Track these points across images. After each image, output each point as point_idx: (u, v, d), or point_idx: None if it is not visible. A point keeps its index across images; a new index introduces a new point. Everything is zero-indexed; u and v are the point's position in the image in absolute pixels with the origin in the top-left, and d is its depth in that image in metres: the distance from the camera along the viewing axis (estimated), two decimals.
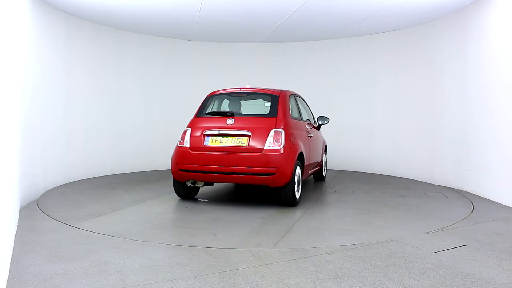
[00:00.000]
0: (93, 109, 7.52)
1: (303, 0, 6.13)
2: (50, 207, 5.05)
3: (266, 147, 5.01)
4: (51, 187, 6.30)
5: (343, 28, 7.93)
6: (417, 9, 6.53)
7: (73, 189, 6.30)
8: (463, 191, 6.44)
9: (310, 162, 6.12)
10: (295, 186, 5.19)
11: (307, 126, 6.37)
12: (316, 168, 6.93)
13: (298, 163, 5.28)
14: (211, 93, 6.02)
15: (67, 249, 3.50)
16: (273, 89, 5.74)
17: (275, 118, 5.23)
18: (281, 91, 5.70)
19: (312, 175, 7.50)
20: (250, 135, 5.09)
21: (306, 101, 7.02)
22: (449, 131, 6.90)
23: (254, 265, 3.17)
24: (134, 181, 7.16)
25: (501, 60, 5.60)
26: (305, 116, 6.61)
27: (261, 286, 2.78)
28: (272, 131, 5.08)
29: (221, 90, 6.02)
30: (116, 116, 8.01)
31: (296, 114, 5.91)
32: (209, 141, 5.22)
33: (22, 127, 5.03)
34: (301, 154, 5.43)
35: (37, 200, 5.47)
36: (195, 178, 5.28)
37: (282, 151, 5.00)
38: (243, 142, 5.09)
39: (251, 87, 5.96)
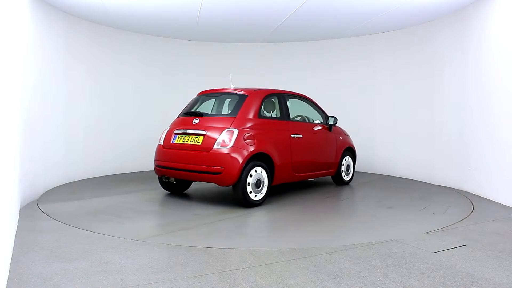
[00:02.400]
0: (93, 108, 7.51)
1: (303, 0, 6.13)
2: (50, 207, 5.05)
3: (215, 146, 5.09)
4: (51, 187, 6.30)
5: (343, 28, 7.93)
6: (417, 9, 6.53)
7: (73, 189, 6.30)
8: (463, 191, 6.44)
9: (296, 163, 5.83)
10: (247, 186, 5.09)
11: (316, 128, 6.33)
12: (327, 171, 6.63)
13: (259, 164, 5.20)
14: (198, 93, 6.24)
15: (67, 249, 3.50)
16: (247, 89, 5.72)
17: (234, 117, 5.28)
18: (255, 90, 5.66)
19: (333, 179, 7.09)
20: (204, 134, 5.23)
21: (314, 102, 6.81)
22: (449, 130, 6.90)
23: (254, 265, 3.17)
24: (136, 179, 7.17)
25: (500, 60, 5.60)
26: (307, 116, 6.52)
27: (261, 286, 2.78)
28: (225, 130, 5.13)
29: (206, 90, 6.21)
30: (116, 116, 8.00)
31: (277, 114, 5.83)
32: (175, 139, 5.52)
33: (22, 127, 5.03)
34: (262, 155, 5.29)
35: (37, 200, 5.48)
36: (164, 173, 5.61)
37: (230, 151, 5.01)
38: (198, 141, 5.26)
39: (235, 87, 5.97)
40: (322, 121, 6.67)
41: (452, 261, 3.31)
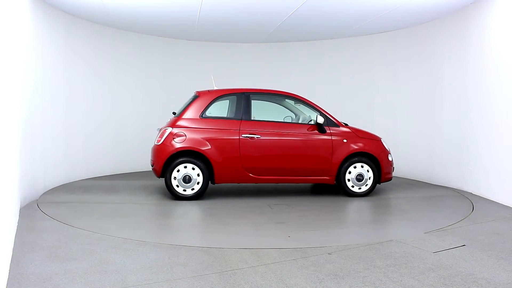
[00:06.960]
0: (93, 108, 7.51)
1: (303, 0, 6.13)
2: (50, 207, 5.05)
3: (154, 143, 5.81)
4: (51, 187, 6.30)
5: (343, 28, 7.93)
6: (417, 9, 6.53)
7: (73, 189, 6.30)
8: (463, 191, 6.44)
9: (250, 163, 5.68)
10: (173, 180, 5.55)
11: (308, 129, 5.92)
12: (318, 178, 5.89)
13: (189, 160, 5.56)
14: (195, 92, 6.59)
15: (67, 249, 3.50)
16: (205, 91, 6.04)
17: (177, 117, 5.84)
18: (208, 91, 5.99)
19: (340, 189, 6.06)
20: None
21: (306, 101, 6.36)
22: (449, 131, 6.90)
23: (254, 265, 3.18)
24: (135, 178, 7.17)
25: (500, 60, 5.60)
26: (286, 117, 6.39)
27: (261, 286, 2.78)
28: (163, 129, 5.78)
29: (199, 91, 6.42)
30: (117, 116, 8.00)
31: (231, 114, 5.90)
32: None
33: (22, 127, 5.03)
34: (196, 153, 5.59)
35: (37, 200, 5.48)
36: None
37: (158, 147, 5.66)
38: (155, 138, 5.95)
39: (218, 88, 6.15)
40: (315, 122, 5.94)
41: (452, 261, 3.31)
